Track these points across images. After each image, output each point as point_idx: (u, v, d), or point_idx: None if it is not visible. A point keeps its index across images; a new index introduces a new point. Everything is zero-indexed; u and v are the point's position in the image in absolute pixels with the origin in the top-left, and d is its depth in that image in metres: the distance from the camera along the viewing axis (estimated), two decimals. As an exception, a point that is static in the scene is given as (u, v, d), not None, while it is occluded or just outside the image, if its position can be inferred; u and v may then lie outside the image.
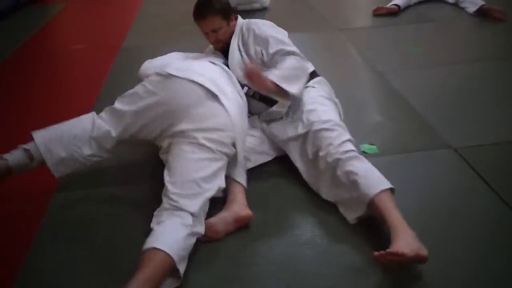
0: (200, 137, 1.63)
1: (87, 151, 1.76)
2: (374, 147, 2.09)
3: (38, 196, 1.88)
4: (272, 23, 2.07)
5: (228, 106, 1.70)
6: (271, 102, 1.95)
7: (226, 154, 1.68)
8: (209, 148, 1.62)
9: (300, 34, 3.70)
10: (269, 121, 2.01)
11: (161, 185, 1.59)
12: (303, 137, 1.83)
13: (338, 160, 1.67)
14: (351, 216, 1.63)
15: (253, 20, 2.05)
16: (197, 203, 1.52)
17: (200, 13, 1.96)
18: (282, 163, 1.96)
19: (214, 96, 1.70)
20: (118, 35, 3.92)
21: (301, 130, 1.84)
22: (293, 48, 1.93)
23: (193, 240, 1.48)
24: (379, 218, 1.53)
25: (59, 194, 1.89)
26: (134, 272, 1.32)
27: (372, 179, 1.60)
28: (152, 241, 1.39)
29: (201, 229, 1.52)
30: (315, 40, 3.69)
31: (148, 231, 1.46)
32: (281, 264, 1.49)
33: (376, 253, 1.36)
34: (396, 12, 4.14)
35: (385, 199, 1.54)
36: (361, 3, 4.98)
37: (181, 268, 1.40)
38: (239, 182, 1.76)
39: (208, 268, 1.49)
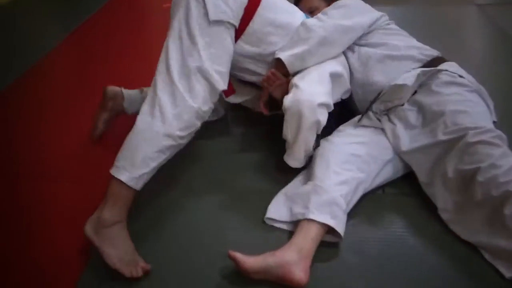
0: None
1: None
2: None
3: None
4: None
5: None
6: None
7: None
8: None
9: (420, 7, 3.13)
10: (389, 111, 1.51)
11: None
12: (445, 147, 1.33)
13: (510, 193, 1.16)
14: (509, 271, 1.16)
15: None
16: None
17: None
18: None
19: None
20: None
21: (442, 136, 1.34)
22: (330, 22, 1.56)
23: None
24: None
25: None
26: None
27: None
28: None
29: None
30: (441, 16, 3.04)
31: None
32: None
33: None
34: None
35: None
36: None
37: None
38: (318, 222, 1.24)
39: None
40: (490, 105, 1.46)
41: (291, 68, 1.51)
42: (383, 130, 1.51)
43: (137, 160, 1.29)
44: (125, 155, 1.30)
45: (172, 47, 1.38)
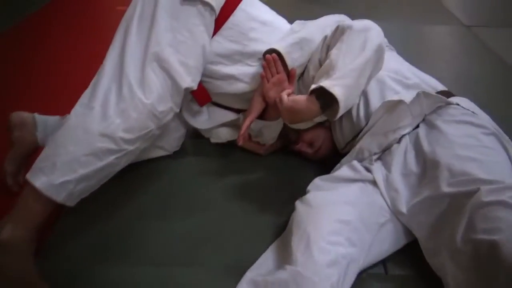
0: None
1: None
2: None
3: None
4: None
5: None
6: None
7: None
8: None
9: (406, 25, 2.85)
10: (383, 154, 1.19)
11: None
12: (450, 204, 1.01)
13: None
14: None
15: None
16: None
17: None
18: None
19: None
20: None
21: (446, 187, 1.02)
22: None
23: None
24: None
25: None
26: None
27: None
28: None
29: None
30: (429, 35, 2.81)
31: None
32: None
33: None
34: None
35: None
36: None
37: None
38: None
39: None
40: (508, 148, 1.14)
41: (289, 60, 1.25)
42: (373, 183, 1.16)
43: (60, 162, 1.03)
44: (47, 154, 1.05)
45: (131, 26, 1.16)
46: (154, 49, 1.14)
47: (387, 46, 1.49)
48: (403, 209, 1.09)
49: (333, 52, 1.15)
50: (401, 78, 1.30)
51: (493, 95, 2.09)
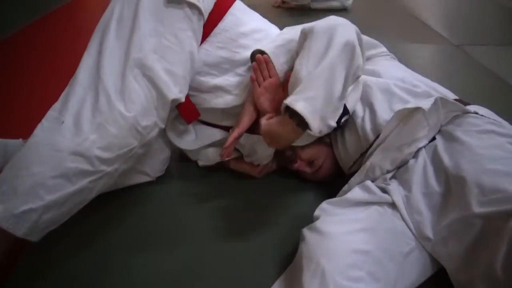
0: None
1: None
2: None
3: None
4: None
5: None
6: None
7: None
8: None
9: (396, 44, 2.80)
10: (397, 171, 1.06)
11: None
12: (484, 226, 0.87)
13: None
14: None
15: None
16: None
17: None
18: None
19: None
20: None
21: (478, 207, 0.88)
22: None
23: None
24: None
25: None
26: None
27: None
28: None
29: None
30: (422, 55, 2.74)
31: None
32: None
33: None
34: None
35: None
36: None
37: None
38: None
39: None
40: None
41: (275, 60, 1.14)
42: (392, 205, 1.01)
43: (22, 187, 0.88)
44: (4, 178, 0.91)
45: (109, 30, 1.03)
46: (136, 55, 1.02)
47: (388, 55, 1.39)
48: (430, 233, 0.94)
49: (297, 62, 1.06)
50: (409, 86, 1.19)
51: (495, 112, 2.01)
